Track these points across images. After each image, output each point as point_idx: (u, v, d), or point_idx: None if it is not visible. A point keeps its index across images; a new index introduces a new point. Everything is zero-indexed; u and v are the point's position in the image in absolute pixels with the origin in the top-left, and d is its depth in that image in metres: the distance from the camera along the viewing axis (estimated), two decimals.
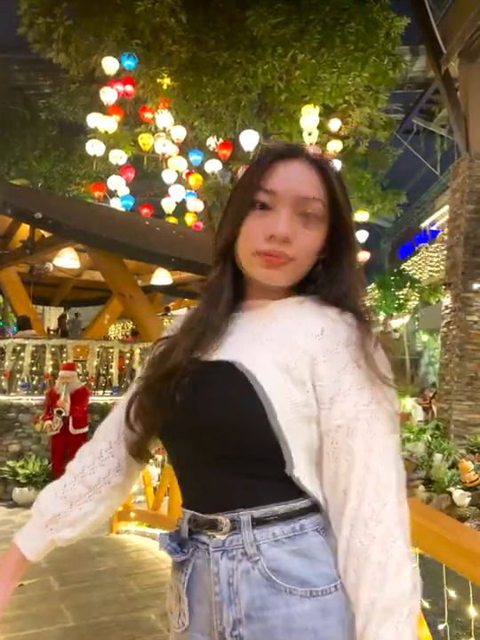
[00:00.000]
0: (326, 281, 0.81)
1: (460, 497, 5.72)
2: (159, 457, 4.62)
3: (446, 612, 1.72)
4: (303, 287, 0.83)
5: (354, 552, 0.70)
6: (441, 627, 1.76)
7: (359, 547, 0.70)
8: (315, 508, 0.76)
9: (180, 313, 0.93)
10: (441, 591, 1.75)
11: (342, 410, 0.72)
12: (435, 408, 10.96)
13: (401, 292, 16.90)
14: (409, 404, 12.11)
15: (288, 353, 0.74)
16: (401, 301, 16.88)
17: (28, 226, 8.75)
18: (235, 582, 0.73)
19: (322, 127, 10.66)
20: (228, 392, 0.74)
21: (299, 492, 0.75)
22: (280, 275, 0.78)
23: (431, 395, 12.12)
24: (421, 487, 6.30)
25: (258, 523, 0.73)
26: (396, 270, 17.92)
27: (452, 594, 1.75)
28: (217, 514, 0.75)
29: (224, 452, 0.74)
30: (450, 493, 5.84)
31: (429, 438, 7.69)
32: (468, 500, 5.73)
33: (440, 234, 16.43)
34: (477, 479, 6.01)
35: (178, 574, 0.79)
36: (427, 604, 1.81)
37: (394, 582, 0.69)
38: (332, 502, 0.74)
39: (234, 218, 0.80)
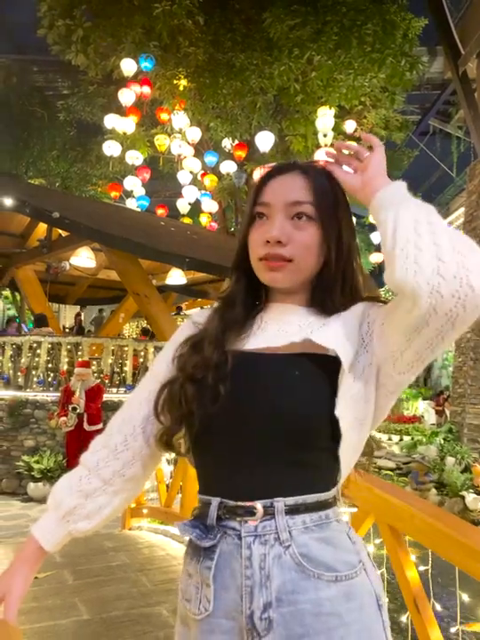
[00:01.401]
0: (330, 284, 0.87)
1: (473, 501, 5.68)
2: (172, 454, 4.63)
3: (459, 614, 1.73)
4: (314, 289, 0.89)
5: None
6: (453, 629, 1.77)
7: None
8: (334, 500, 0.82)
9: (194, 312, 0.96)
10: (454, 594, 1.75)
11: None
12: (448, 411, 10.86)
13: None
14: (422, 407, 12.02)
15: (341, 346, 0.79)
16: None
17: (45, 225, 8.87)
18: (267, 566, 0.76)
19: (337, 128, 10.64)
20: (291, 382, 0.79)
21: (326, 485, 0.81)
22: (282, 277, 0.84)
23: (445, 398, 12.02)
24: (434, 491, 6.27)
25: (290, 511, 0.77)
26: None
27: (465, 597, 1.75)
28: (253, 501, 0.78)
29: (279, 440, 0.77)
30: (462, 497, 5.80)
31: (442, 442, 7.65)
32: None
33: None
34: None
35: (202, 561, 0.80)
36: (439, 607, 1.82)
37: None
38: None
39: (242, 233, 0.90)
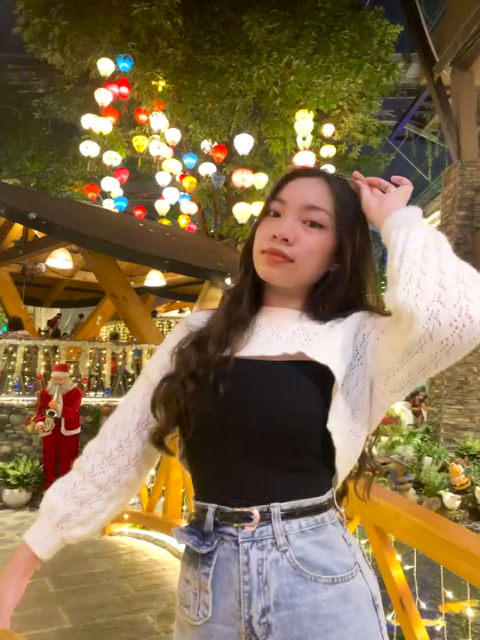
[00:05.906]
0: (330, 295, 0.86)
1: (451, 500, 5.79)
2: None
3: (443, 611, 1.75)
4: (310, 296, 0.88)
5: None
6: (438, 627, 1.80)
7: None
8: (330, 503, 0.83)
9: (190, 315, 0.96)
10: (438, 591, 1.78)
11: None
12: (425, 412, 11.05)
13: None
14: (398, 407, 12.17)
15: (335, 362, 0.78)
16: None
17: (20, 225, 8.71)
18: (264, 571, 0.76)
19: (315, 132, 10.72)
20: (289, 388, 0.78)
21: (322, 489, 0.81)
22: (278, 273, 0.83)
23: (421, 398, 12.21)
24: (412, 490, 6.36)
25: (286, 515, 0.78)
26: (385, 275, 18.04)
27: (450, 595, 1.78)
28: (250, 507, 0.78)
29: (274, 446, 0.77)
30: (440, 496, 5.90)
31: (419, 442, 7.76)
32: (458, 502, 5.80)
33: None
34: (467, 482, 6.08)
35: (199, 567, 0.80)
36: (424, 605, 1.85)
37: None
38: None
39: (254, 225, 0.89)
